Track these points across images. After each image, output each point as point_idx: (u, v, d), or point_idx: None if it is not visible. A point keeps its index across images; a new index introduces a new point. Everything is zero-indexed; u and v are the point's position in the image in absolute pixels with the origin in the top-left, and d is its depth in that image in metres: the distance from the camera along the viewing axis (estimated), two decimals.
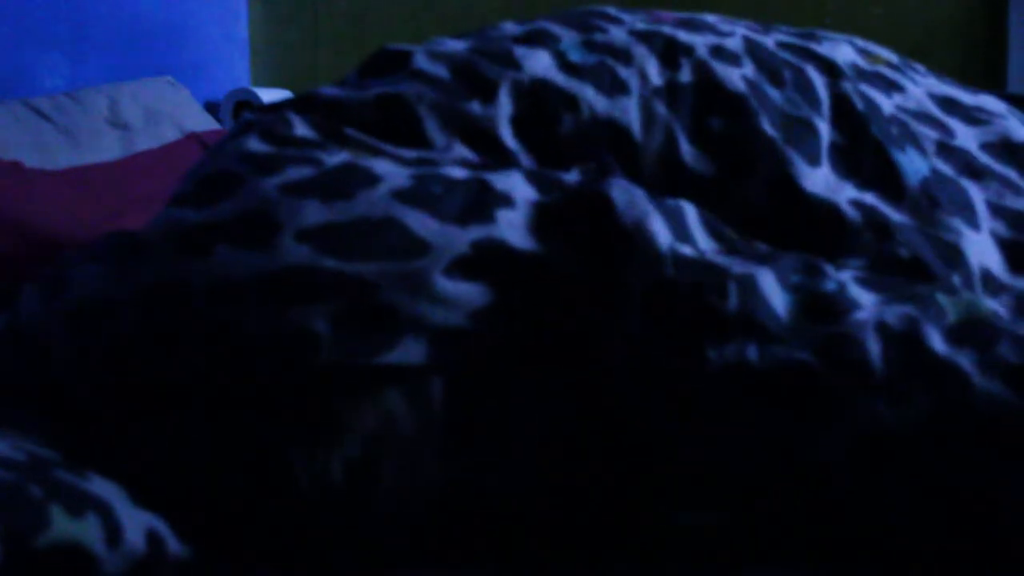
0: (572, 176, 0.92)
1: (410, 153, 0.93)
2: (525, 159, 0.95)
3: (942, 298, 0.83)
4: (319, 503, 0.80)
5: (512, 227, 0.86)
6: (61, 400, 0.88)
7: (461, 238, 0.84)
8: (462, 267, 0.84)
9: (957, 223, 0.96)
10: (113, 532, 0.74)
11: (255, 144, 0.93)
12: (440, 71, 0.99)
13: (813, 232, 0.94)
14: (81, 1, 2.03)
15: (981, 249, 0.96)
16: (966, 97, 1.12)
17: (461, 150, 0.94)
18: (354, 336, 0.81)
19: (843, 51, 1.10)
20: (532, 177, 0.90)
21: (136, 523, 0.76)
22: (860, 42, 1.15)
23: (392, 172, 0.88)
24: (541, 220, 0.86)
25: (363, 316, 0.81)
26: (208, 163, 0.94)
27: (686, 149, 0.97)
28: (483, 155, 0.95)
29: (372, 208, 0.85)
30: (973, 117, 1.09)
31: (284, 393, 0.81)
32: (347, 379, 0.81)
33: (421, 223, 0.84)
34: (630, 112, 0.98)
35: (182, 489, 0.81)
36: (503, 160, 0.95)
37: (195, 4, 2.35)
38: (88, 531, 0.73)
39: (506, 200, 0.87)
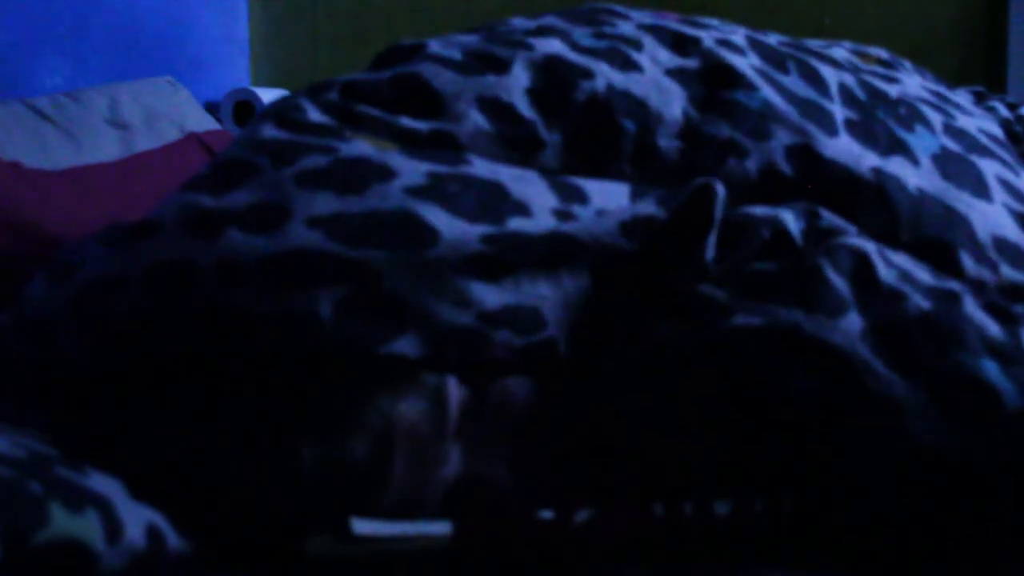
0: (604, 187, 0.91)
1: (425, 124, 0.93)
2: (544, 130, 0.95)
3: None
4: (325, 495, 0.79)
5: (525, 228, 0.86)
6: (63, 386, 0.88)
7: (471, 233, 0.84)
8: (474, 264, 0.84)
9: (966, 196, 0.97)
10: (113, 528, 0.74)
11: (270, 131, 0.93)
12: (454, 54, 0.99)
13: (836, 196, 0.95)
14: (81, 1, 2.02)
15: (993, 218, 0.96)
16: (950, 95, 1.15)
17: (477, 118, 0.94)
18: (357, 322, 0.81)
19: (838, 51, 1.12)
20: (556, 187, 0.90)
21: (136, 519, 0.77)
22: (851, 44, 1.17)
23: (408, 168, 0.88)
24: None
25: (367, 303, 0.81)
26: (226, 151, 0.94)
27: (702, 117, 0.98)
28: (499, 125, 0.94)
29: (384, 201, 0.85)
30: (962, 110, 1.11)
31: (286, 377, 0.81)
32: (350, 366, 0.81)
33: (434, 215, 0.84)
34: (645, 86, 0.98)
35: (181, 478, 0.81)
36: (521, 130, 0.95)
37: (195, 4, 2.34)
38: (88, 527, 0.73)
39: (522, 208, 0.87)
